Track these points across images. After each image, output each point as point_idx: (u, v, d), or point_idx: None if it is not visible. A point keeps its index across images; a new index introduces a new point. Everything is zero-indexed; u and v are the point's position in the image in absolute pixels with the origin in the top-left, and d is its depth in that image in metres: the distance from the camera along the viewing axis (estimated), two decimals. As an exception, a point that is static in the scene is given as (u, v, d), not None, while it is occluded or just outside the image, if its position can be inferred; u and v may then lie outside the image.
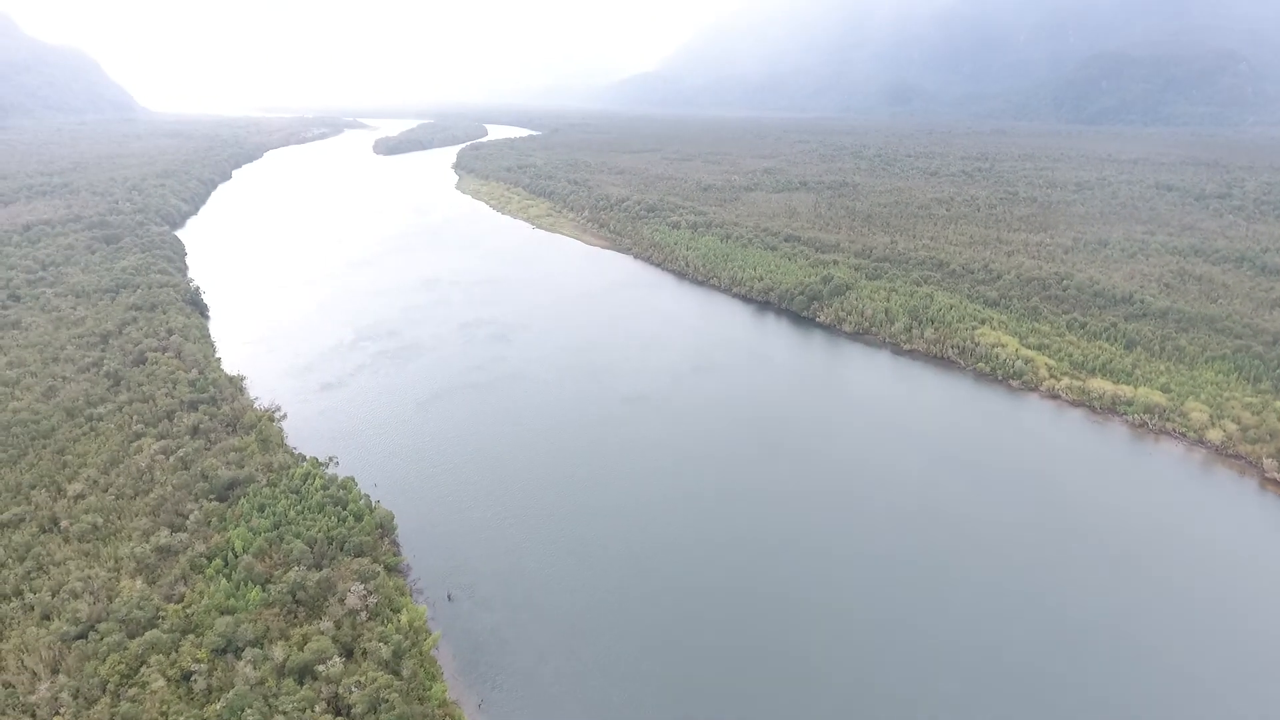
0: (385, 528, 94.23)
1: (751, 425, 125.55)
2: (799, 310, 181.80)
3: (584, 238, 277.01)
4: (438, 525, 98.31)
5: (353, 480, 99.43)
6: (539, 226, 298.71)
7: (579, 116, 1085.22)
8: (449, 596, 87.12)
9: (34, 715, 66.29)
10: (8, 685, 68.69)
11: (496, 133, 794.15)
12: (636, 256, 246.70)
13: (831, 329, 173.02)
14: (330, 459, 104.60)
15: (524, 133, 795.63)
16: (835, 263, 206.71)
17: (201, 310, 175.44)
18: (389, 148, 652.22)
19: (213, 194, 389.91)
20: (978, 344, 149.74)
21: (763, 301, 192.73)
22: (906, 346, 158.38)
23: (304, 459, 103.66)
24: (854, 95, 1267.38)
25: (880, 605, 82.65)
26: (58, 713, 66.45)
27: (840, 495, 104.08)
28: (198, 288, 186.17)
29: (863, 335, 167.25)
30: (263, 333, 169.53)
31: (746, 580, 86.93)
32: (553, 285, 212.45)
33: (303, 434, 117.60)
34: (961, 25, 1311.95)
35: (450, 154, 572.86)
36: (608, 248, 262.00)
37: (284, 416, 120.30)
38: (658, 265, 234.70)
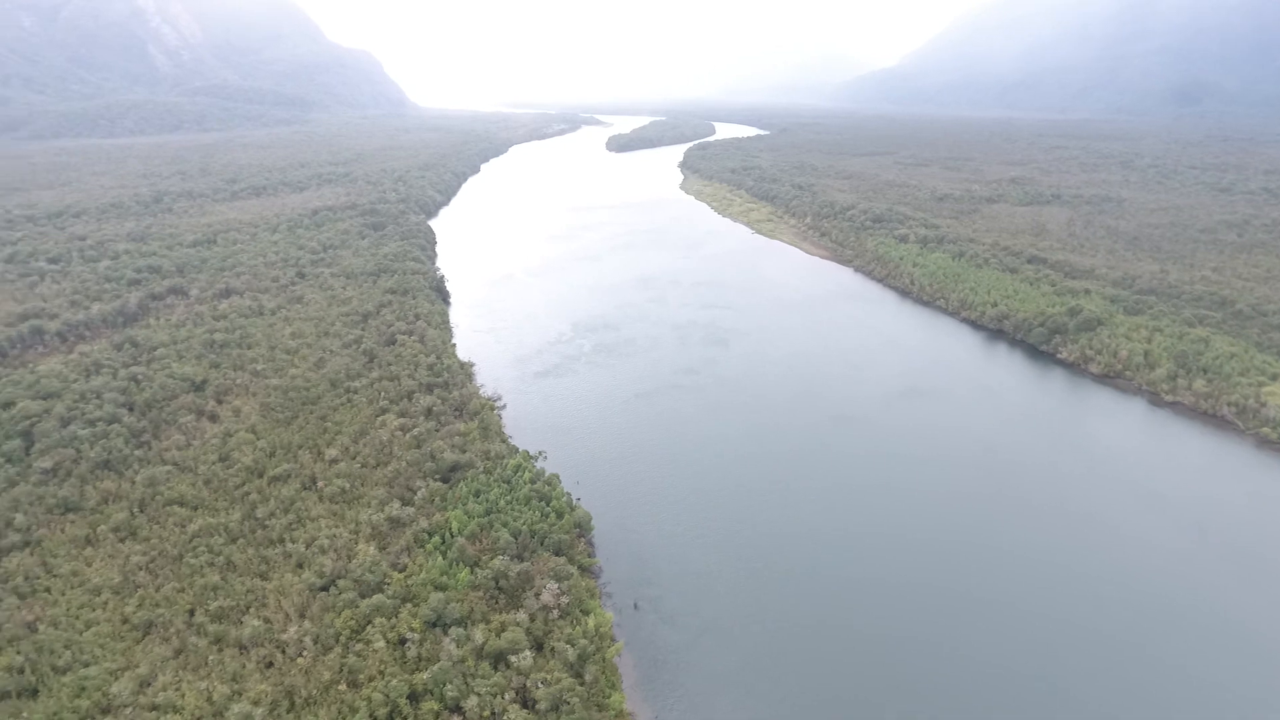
0: (583, 528, 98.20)
1: (970, 465, 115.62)
2: (1036, 343, 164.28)
3: (803, 246, 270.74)
4: (632, 531, 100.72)
5: (557, 477, 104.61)
6: (758, 231, 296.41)
7: (810, 115, 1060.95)
8: (635, 605, 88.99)
9: (284, 651, 76.78)
10: (267, 621, 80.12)
11: (725, 131, 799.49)
12: (857, 270, 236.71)
13: (1074, 368, 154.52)
14: (540, 453, 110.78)
15: (752, 131, 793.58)
16: (1087, 291, 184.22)
17: (444, 297, 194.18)
18: (620, 145, 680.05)
19: (463, 186, 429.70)
20: (1264, 404, 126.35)
21: (994, 330, 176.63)
22: (1168, 398, 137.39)
23: (517, 451, 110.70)
24: (1128, 94, 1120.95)
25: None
26: (301, 654, 76.54)
27: (1076, 565, 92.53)
28: (443, 276, 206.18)
29: (1112, 379, 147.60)
30: (492, 321, 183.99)
31: (959, 641, 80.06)
32: (769, 292, 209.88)
33: (518, 424, 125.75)
34: (1276, 12, 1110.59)
35: (678, 152, 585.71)
36: (827, 258, 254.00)
37: (503, 406, 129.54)
38: (879, 280, 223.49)
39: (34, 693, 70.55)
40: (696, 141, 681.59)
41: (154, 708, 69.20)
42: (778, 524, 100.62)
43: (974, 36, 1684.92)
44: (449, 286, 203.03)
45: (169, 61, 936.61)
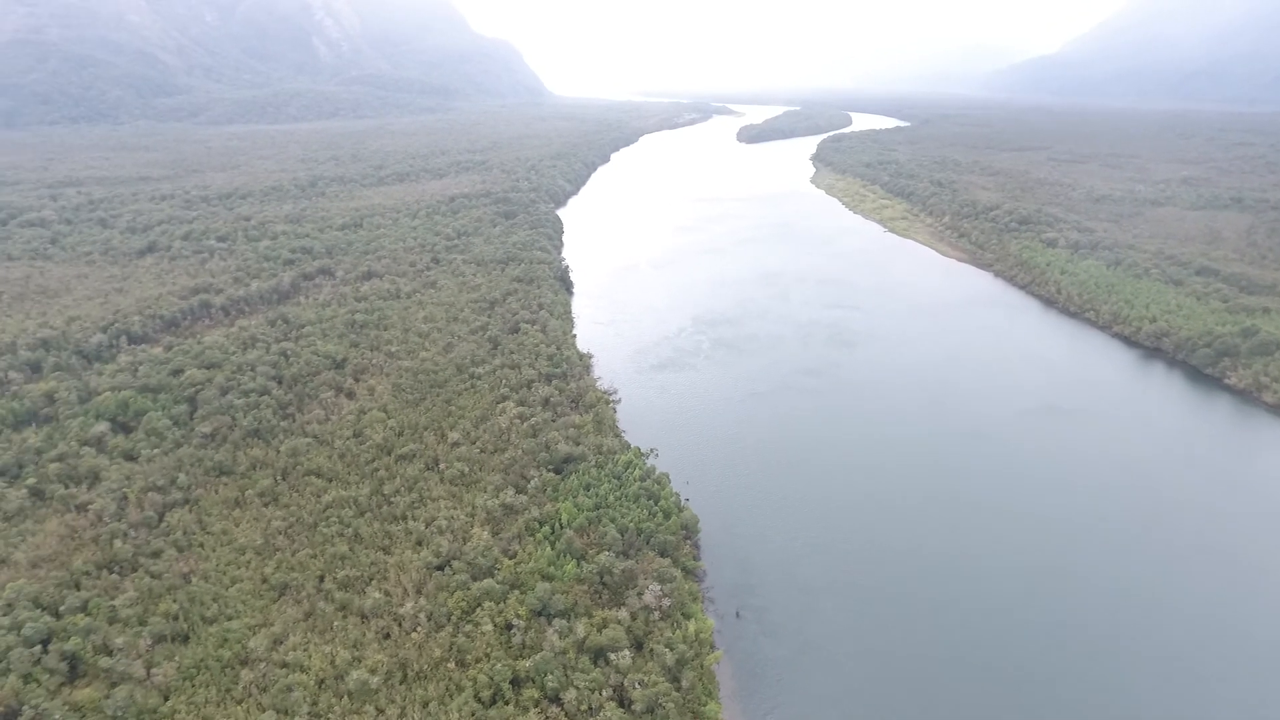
0: (689, 530, 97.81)
1: (1115, 497, 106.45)
2: (1200, 366, 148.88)
3: (939, 247, 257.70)
4: (740, 537, 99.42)
5: (666, 476, 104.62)
6: (891, 230, 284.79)
7: (957, 106, 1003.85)
8: (738, 613, 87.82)
9: (400, 624, 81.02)
10: (387, 594, 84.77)
11: (862, 123, 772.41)
12: (998, 275, 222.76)
13: (1245, 396, 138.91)
14: (651, 450, 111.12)
15: (891, 123, 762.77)
16: (1266, 310, 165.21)
17: (567, 287, 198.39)
18: (751, 136, 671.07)
19: (592, 175, 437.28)
20: None
21: (1150, 348, 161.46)
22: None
23: (629, 447, 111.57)
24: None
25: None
26: (416, 629, 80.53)
27: (1239, 621, 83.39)
28: (567, 266, 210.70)
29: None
30: (612, 313, 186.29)
31: (1098, 693, 74.13)
32: (899, 295, 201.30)
33: (631, 419, 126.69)
34: None
35: (810, 144, 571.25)
36: (965, 261, 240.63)
37: (618, 400, 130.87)
38: (1021, 288, 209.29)
39: (185, 639, 77.84)
40: (831, 133, 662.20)
41: (284, 665, 74.78)
42: (895, 544, 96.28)
43: (1151, 20, 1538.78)
44: (573, 276, 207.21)
45: (330, 52, 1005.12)
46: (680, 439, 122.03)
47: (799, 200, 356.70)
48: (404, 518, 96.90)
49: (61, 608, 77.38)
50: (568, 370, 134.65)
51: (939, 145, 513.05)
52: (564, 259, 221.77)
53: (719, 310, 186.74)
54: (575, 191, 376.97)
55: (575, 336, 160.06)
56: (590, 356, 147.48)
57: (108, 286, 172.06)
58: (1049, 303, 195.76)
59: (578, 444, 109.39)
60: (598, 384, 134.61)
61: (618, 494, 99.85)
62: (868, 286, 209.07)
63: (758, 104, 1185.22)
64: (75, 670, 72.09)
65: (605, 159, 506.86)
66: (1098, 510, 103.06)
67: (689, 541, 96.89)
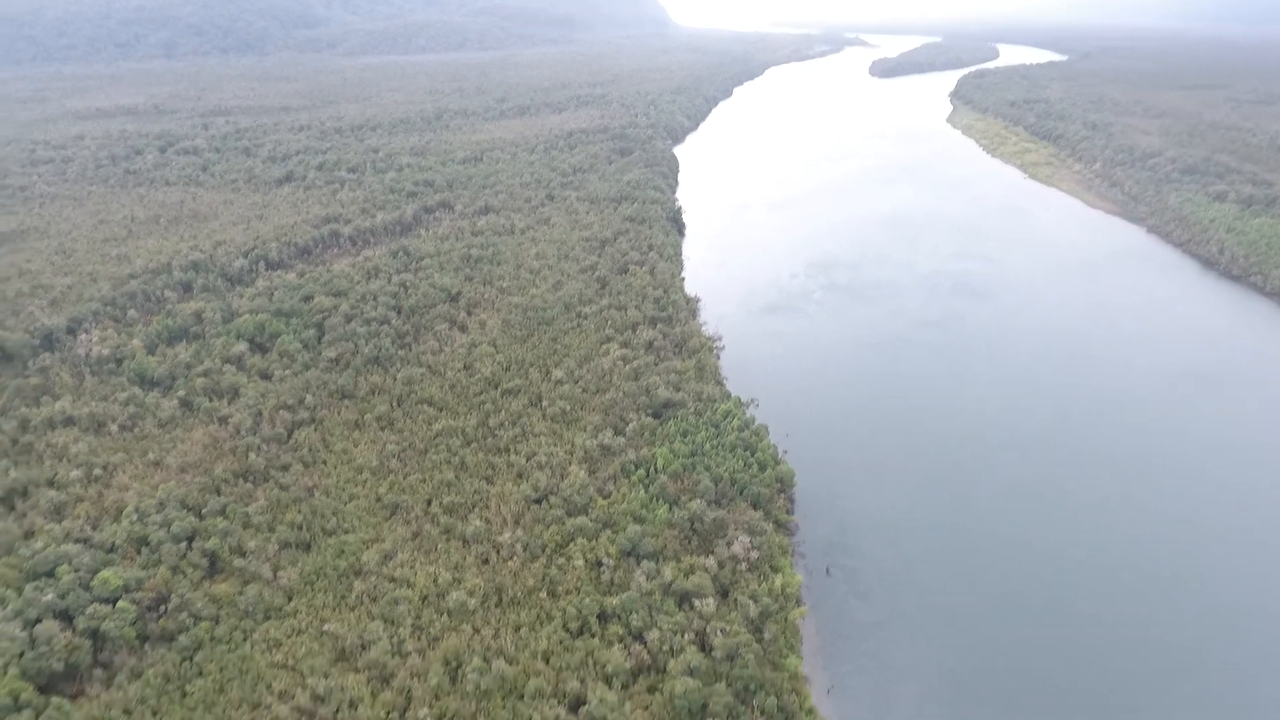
0: (785, 483, 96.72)
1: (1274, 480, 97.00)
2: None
3: (1085, 196, 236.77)
4: (837, 495, 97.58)
5: (765, 428, 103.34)
6: (1032, 176, 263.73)
7: (1124, 37, 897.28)
8: (828, 571, 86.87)
9: (498, 551, 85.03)
10: (487, 522, 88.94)
11: (1011, 56, 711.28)
12: (1150, 230, 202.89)
13: None
14: (751, 401, 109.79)
15: (1045, 57, 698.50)
16: None
17: (679, 228, 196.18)
18: (885, 70, 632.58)
19: (713, 110, 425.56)
20: None
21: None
22: None
23: (729, 396, 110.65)
24: None
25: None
26: (512, 557, 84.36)
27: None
28: (680, 207, 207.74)
29: None
30: (723, 255, 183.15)
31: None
32: (1036, 247, 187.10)
33: (734, 366, 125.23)
34: None
35: (949, 80, 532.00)
36: (1113, 213, 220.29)
37: (722, 347, 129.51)
38: (1178, 245, 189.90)
39: (307, 548, 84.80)
40: (973, 67, 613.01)
41: (392, 579, 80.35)
42: (1003, 523, 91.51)
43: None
44: (685, 217, 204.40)
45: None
46: (784, 389, 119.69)
47: (933, 140, 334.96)
48: (506, 450, 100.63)
49: (204, 510, 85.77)
50: (673, 314, 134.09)
51: (1097, 82, 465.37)
52: (677, 199, 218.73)
53: (837, 255, 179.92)
54: (694, 128, 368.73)
55: (683, 279, 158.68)
56: (697, 300, 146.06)
57: (250, 213, 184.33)
58: (1208, 263, 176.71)
59: (678, 390, 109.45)
60: (703, 329, 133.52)
61: (714, 443, 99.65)
62: (1002, 236, 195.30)
63: (895, 34, 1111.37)
64: (214, 566, 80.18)
65: (727, 94, 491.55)
66: (1252, 498, 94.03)
67: (784, 495, 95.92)
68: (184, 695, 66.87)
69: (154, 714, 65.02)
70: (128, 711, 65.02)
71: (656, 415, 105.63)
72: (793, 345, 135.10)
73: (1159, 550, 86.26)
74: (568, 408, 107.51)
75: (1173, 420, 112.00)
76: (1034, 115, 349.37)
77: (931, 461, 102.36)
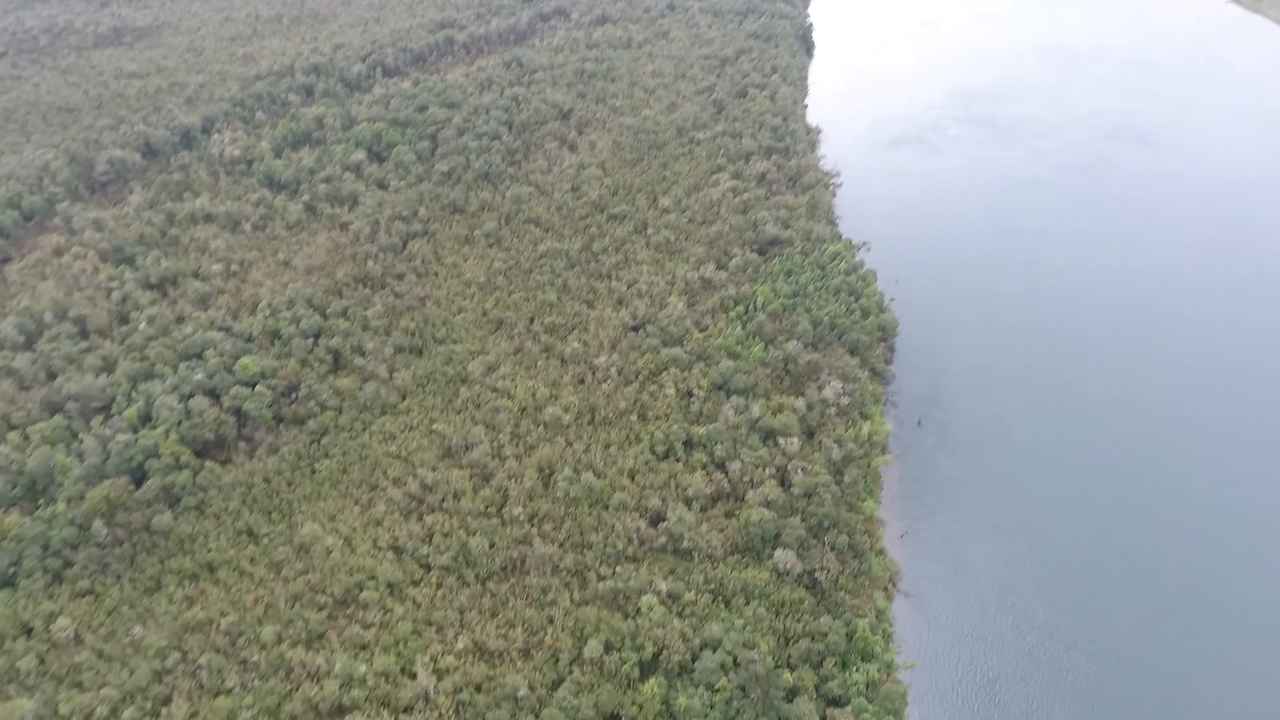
0: (886, 332, 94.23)
1: None
2: None
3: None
4: (940, 348, 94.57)
5: (874, 274, 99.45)
6: (1235, 1, 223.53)
7: None
8: (919, 422, 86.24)
9: (594, 373, 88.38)
10: (585, 344, 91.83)
11: None
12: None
13: None
14: (863, 244, 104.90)
15: None
16: None
17: (808, 48, 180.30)
18: None
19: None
20: None
21: None
22: None
23: (840, 237, 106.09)
24: None
25: None
26: (607, 379, 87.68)
27: None
28: (811, 24, 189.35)
29: None
30: (855, 82, 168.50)
31: None
32: (1225, 89, 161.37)
33: (849, 205, 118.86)
34: None
35: None
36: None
37: (839, 184, 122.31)
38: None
39: (419, 353, 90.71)
40: None
41: (494, 390, 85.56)
42: (1117, 398, 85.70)
43: None
44: (815, 36, 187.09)
45: None
46: (900, 234, 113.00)
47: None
48: (608, 276, 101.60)
49: (328, 311, 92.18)
50: (791, 145, 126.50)
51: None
52: (808, 14, 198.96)
53: (982, 85, 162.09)
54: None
55: (806, 107, 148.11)
56: (818, 131, 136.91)
57: (367, 15, 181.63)
58: None
59: (787, 227, 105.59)
60: (820, 163, 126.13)
61: (818, 284, 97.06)
62: (1184, 74, 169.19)
63: None
64: (337, 363, 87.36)
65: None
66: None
67: (884, 344, 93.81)
68: (313, 472, 75.72)
69: (289, 485, 74.29)
70: (267, 480, 74.49)
71: (762, 252, 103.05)
72: (917, 185, 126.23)
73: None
74: (672, 237, 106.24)
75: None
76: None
77: (1049, 325, 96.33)
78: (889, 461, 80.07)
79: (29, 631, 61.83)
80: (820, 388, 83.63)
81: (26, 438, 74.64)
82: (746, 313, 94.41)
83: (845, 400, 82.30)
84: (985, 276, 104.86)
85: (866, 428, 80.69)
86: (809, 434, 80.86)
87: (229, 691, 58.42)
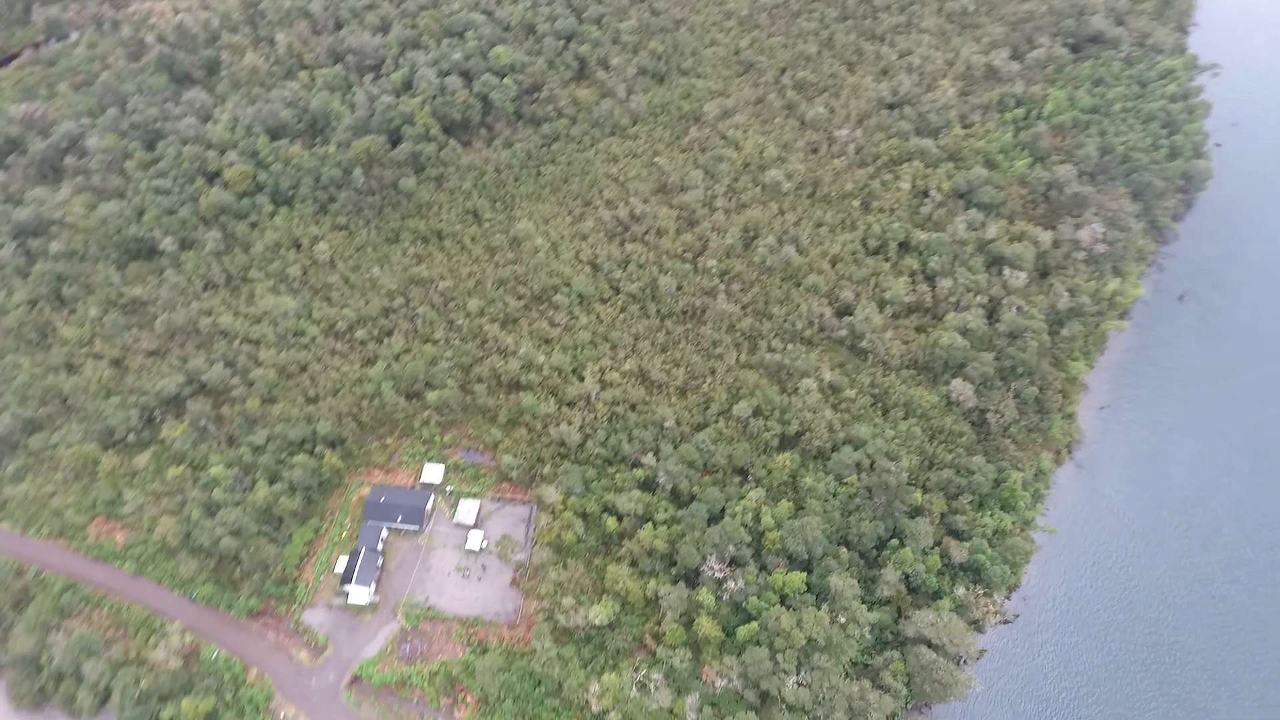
0: (1191, 182, 78.49)
1: None
2: None
3: None
4: (1255, 222, 78.39)
5: (1206, 108, 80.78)
6: None
7: None
8: (1181, 297, 74.61)
9: (829, 145, 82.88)
10: (831, 111, 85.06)
11: None
12: None
13: None
14: (1211, 66, 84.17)
15: None
16: None
17: None
18: None
19: None
20: None
21: None
22: None
23: (1183, 51, 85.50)
24: None
25: None
26: (841, 155, 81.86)
27: None
28: None
29: None
30: None
31: None
32: None
33: (1219, 9, 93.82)
34: None
35: None
36: None
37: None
38: None
39: (660, 80, 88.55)
40: None
41: (723, 137, 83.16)
42: None
43: None
44: None
45: None
46: (1273, 62, 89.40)
47: None
48: (881, 39, 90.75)
49: (584, 14, 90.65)
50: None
51: None
52: None
53: None
54: None
55: None
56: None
57: None
58: None
59: (1120, 23, 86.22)
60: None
61: (1129, 104, 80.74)
62: None
63: None
64: (581, 71, 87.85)
65: None
66: None
67: (1181, 196, 78.54)
68: (538, 174, 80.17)
69: (515, 180, 79.53)
70: (498, 170, 80.00)
71: (1075, 49, 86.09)
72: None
73: None
74: (971, 7, 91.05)
75: None
76: None
77: None
78: (1124, 328, 71.17)
79: (298, 246, 74.70)
80: (1077, 226, 73.10)
81: (314, 80, 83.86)
82: (1026, 118, 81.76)
83: (1101, 248, 71.79)
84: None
85: (1112, 285, 70.83)
86: (1042, 273, 72.57)
87: (435, 341, 68.70)
